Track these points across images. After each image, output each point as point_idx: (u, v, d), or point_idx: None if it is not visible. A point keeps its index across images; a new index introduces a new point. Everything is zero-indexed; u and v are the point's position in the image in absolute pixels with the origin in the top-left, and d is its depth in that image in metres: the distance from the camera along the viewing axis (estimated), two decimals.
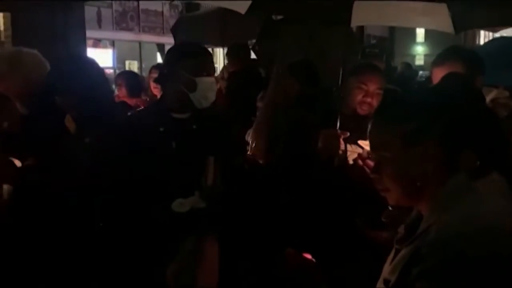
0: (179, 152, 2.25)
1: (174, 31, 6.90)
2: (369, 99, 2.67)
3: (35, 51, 2.56)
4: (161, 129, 2.27)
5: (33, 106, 2.41)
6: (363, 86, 2.69)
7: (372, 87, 2.68)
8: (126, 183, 2.14)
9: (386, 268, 1.30)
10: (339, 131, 2.60)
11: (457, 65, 2.24)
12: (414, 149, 1.20)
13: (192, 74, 2.25)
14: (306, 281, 1.39)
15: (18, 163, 2.23)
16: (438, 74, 2.24)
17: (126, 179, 2.14)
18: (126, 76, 5.09)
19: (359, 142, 2.54)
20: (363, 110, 2.69)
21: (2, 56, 2.64)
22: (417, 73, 11.56)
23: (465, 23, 3.02)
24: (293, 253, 1.46)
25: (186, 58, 2.28)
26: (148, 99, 4.87)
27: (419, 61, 22.05)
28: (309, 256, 1.47)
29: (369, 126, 1.28)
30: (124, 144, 2.20)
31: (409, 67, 10.55)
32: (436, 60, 2.44)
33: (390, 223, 1.69)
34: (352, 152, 2.63)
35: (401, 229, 1.32)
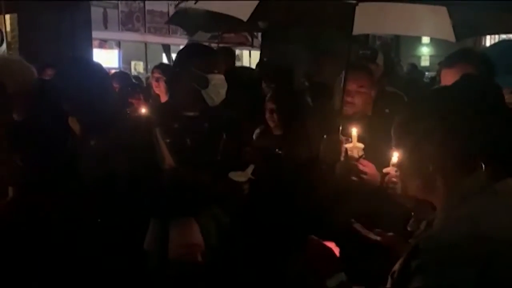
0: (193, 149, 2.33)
1: (172, 21, 6.89)
2: (349, 99, 2.66)
3: (20, 58, 2.57)
4: (176, 126, 2.30)
5: (35, 109, 2.42)
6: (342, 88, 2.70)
7: (352, 86, 2.66)
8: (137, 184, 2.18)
9: None
10: (341, 136, 2.58)
11: (467, 68, 2.15)
12: (423, 147, 1.25)
13: (203, 71, 2.30)
14: (325, 267, 1.44)
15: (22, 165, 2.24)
16: (448, 77, 2.19)
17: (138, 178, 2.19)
18: (119, 77, 5.11)
19: (346, 145, 2.55)
20: (346, 110, 2.68)
21: None
22: (424, 74, 11.54)
23: (466, 31, 2.97)
24: (314, 240, 1.50)
25: (197, 57, 2.36)
26: (143, 99, 4.88)
27: (425, 62, 21.95)
28: (332, 245, 1.53)
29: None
30: (140, 142, 2.24)
31: (415, 68, 10.56)
32: (445, 62, 2.38)
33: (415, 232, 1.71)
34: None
35: (422, 225, 1.38)
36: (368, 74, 2.80)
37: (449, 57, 2.40)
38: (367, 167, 2.45)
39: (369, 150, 2.54)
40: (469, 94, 1.30)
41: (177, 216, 2.29)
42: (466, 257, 1.10)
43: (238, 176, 2.31)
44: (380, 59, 3.68)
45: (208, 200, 2.33)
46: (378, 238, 1.71)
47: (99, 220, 2.15)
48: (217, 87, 2.36)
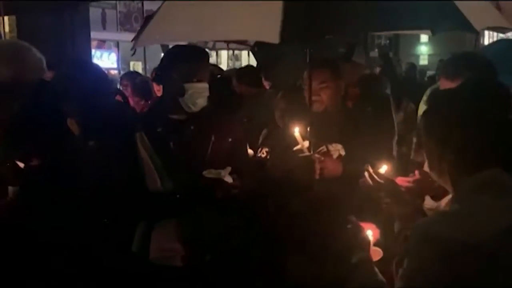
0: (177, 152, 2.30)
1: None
2: (314, 97, 2.66)
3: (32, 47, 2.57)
4: (159, 130, 2.30)
5: (34, 108, 2.43)
6: (308, 86, 2.70)
7: (315, 83, 2.66)
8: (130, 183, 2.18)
9: None
10: (315, 155, 2.58)
11: None
12: (428, 146, 1.36)
13: (182, 79, 2.28)
14: (362, 244, 1.60)
15: (21, 165, 2.24)
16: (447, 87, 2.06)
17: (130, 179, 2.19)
18: (132, 77, 5.11)
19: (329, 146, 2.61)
20: (315, 108, 2.68)
21: (4, 44, 2.63)
22: (425, 73, 11.62)
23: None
24: (353, 221, 1.65)
25: (179, 63, 2.31)
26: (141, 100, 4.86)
27: (423, 61, 21.98)
28: (371, 226, 1.74)
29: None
30: (126, 145, 2.24)
31: (414, 67, 10.61)
32: (445, 72, 2.24)
33: None
34: (335, 151, 2.66)
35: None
36: (329, 68, 2.77)
37: (448, 67, 2.26)
38: (326, 162, 2.53)
39: (343, 143, 2.62)
40: (469, 96, 1.37)
41: (159, 219, 2.29)
42: (439, 250, 1.17)
43: (210, 174, 2.24)
44: (360, 57, 3.66)
45: (191, 202, 2.30)
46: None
47: (105, 220, 2.16)
48: (194, 97, 2.30)
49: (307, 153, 2.53)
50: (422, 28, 2.85)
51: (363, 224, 1.69)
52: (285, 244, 2.20)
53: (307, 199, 2.44)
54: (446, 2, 2.43)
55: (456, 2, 2.43)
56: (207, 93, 2.37)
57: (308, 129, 2.62)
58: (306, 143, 2.52)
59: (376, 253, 1.69)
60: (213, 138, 2.37)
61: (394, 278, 1.35)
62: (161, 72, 2.42)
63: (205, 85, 2.35)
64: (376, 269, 1.49)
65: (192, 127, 2.35)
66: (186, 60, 2.33)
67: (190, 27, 2.63)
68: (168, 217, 2.30)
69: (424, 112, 1.43)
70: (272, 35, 2.37)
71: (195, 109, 2.34)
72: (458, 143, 1.29)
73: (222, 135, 2.40)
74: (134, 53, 2.83)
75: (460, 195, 1.30)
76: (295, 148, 2.52)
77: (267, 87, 4.86)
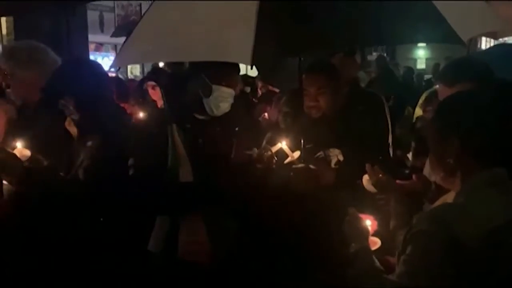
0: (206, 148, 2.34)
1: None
2: (312, 103, 2.66)
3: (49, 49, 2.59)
4: (188, 126, 2.32)
5: (34, 109, 2.43)
6: (305, 91, 2.70)
7: (312, 89, 2.67)
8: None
9: None
10: (310, 166, 2.58)
11: (467, 86, 1.97)
12: (446, 144, 1.40)
13: (210, 80, 2.29)
14: (361, 233, 1.71)
15: (27, 152, 2.20)
16: (447, 94, 1.95)
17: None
18: (115, 82, 5.13)
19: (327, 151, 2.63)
20: (313, 113, 2.68)
21: (21, 46, 2.66)
22: (423, 77, 11.74)
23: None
24: (352, 212, 1.79)
25: (210, 65, 2.32)
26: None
27: (421, 64, 21.96)
28: (369, 217, 1.84)
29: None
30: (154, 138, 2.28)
31: (411, 71, 10.70)
32: (443, 78, 2.17)
33: None
34: (333, 157, 2.66)
35: None
36: (326, 74, 2.75)
37: (447, 73, 2.21)
38: (319, 171, 2.54)
39: (333, 144, 2.62)
40: (487, 98, 1.43)
41: (188, 213, 2.29)
42: (442, 238, 1.24)
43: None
44: (358, 57, 3.67)
45: (218, 200, 2.31)
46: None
47: (101, 219, 2.15)
48: (218, 100, 2.33)
49: (299, 165, 2.53)
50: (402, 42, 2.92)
51: (362, 216, 1.80)
52: (282, 246, 2.21)
53: (306, 206, 2.45)
54: (434, 13, 2.42)
55: (447, 9, 2.42)
56: (231, 100, 2.39)
57: (302, 139, 2.63)
58: (297, 154, 2.51)
59: (374, 243, 1.77)
60: (235, 141, 2.41)
61: (395, 266, 1.40)
62: (191, 71, 2.43)
63: (231, 91, 2.38)
64: (374, 257, 1.57)
65: (218, 128, 2.37)
66: (218, 64, 2.32)
67: (164, 48, 2.62)
68: (194, 210, 2.30)
69: (447, 111, 1.46)
70: (245, 57, 2.39)
71: (217, 112, 2.36)
72: (481, 142, 1.35)
73: (242, 138, 2.45)
74: (119, 69, 2.87)
75: (467, 190, 1.36)
76: (285, 162, 2.52)
77: (276, 91, 4.94)
